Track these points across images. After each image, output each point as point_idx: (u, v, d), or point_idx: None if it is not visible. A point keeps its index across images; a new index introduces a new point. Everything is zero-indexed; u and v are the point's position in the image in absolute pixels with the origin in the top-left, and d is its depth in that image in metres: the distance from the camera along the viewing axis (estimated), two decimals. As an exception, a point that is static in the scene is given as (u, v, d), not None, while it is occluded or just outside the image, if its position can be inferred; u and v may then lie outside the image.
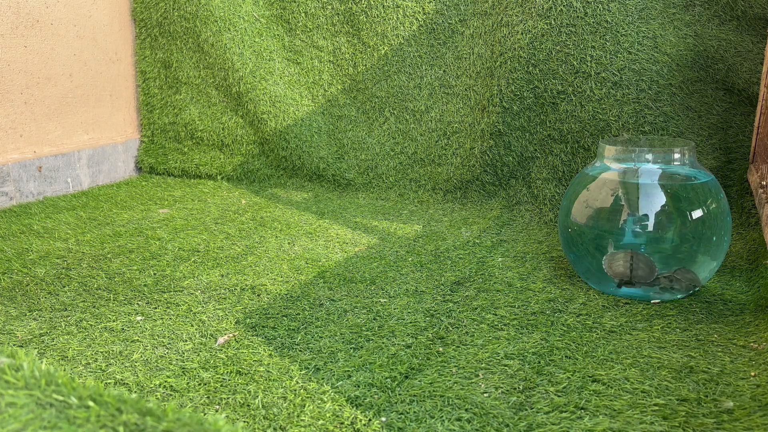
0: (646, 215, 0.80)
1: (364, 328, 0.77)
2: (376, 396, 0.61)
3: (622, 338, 0.73)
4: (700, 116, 1.17)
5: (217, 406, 0.60)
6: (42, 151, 1.52)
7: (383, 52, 1.55)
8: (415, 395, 0.61)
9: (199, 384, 0.64)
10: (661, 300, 0.83)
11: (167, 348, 0.72)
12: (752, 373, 0.64)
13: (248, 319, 0.80)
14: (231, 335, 0.75)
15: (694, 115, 1.17)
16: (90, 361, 0.69)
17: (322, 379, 0.65)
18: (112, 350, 0.71)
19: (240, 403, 0.60)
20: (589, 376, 0.64)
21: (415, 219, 1.29)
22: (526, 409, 0.59)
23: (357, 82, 1.59)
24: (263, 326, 0.78)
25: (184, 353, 0.71)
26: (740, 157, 1.13)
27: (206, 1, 1.66)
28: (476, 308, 0.83)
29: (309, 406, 0.59)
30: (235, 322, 0.79)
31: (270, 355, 0.70)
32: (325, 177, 1.56)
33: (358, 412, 0.58)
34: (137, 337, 0.74)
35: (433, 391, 0.62)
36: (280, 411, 0.59)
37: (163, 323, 0.79)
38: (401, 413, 0.58)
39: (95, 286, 0.92)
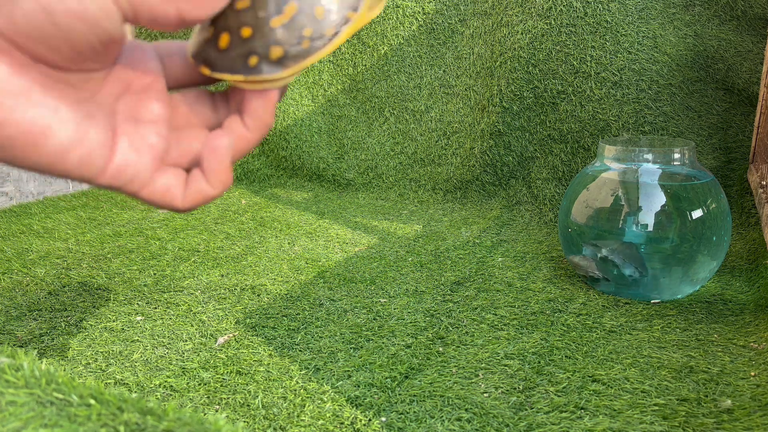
0: (645, 215, 0.80)
1: (364, 328, 0.77)
2: (376, 396, 0.61)
3: (622, 338, 0.73)
4: (700, 116, 1.17)
5: (217, 406, 0.60)
6: (42, 151, 1.52)
7: (383, 52, 1.55)
8: (415, 395, 0.61)
9: (199, 384, 0.64)
10: (660, 300, 0.83)
11: (167, 348, 0.72)
12: (752, 373, 0.64)
13: (248, 319, 0.80)
14: (231, 335, 0.75)
15: (694, 115, 1.17)
16: (90, 361, 0.69)
17: (322, 379, 0.65)
18: (112, 350, 0.71)
19: (240, 403, 0.60)
20: (589, 376, 0.64)
21: (415, 219, 1.29)
22: (526, 409, 0.59)
23: (357, 82, 1.59)
24: (263, 326, 0.78)
25: (184, 353, 0.71)
26: (740, 157, 1.13)
27: (206, 1, 1.66)
28: (476, 308, 0.83)
29: (309, 406, 0.59)
30: (235, 322, 0.79)
31: (270, 355, 0.70)
32: (325, 177, 1.56)
33: (358, 412, 0.58)
34: (137, 337, 0.74)
35: (433, 391, 0.62)
36: (280, 411, 0.59)
37: (163, 323, 0.78)
38: (401, 413, 0.58)
39: (95, 286, 0.92)
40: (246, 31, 0.28)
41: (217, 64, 0.29)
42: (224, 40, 0.28)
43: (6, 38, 0.23)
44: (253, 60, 0.28)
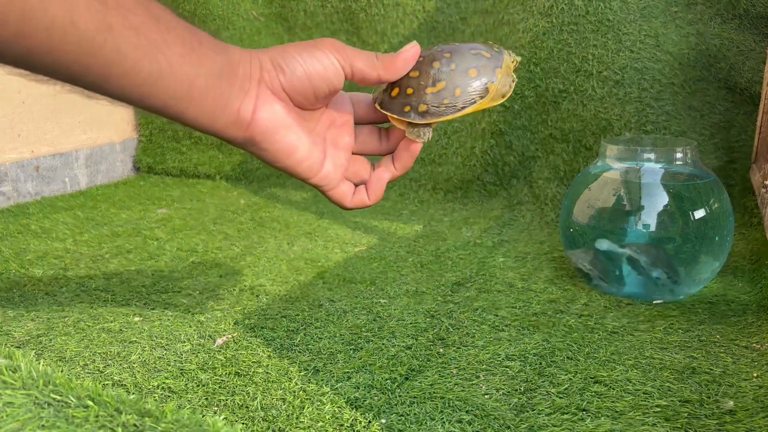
0: (647, 215, 0.80)
1: (363, 329, 0.76)
2: (376, 398, 0.61)
3: (624, 339, 0.72)
4: (702, 115, 1.16)
5: (216, 408, 0.59)
6: (40, 151, 1.52)
7: (383, 50, 1.54)
8: (415, 397, 0.61)
9: (198, 385, 0.63)
10: (662, 300, 0.83)
11: (165, 349, 0.71)
12: (754, 374, 0.64)
13: (247, 320, 0.79)
14: (229, 336, 0.75)
15: (696, 115, 1.16)
16: (88, 362, 0.68)
17: (322, 380, 0.64)
18: (110, 351, 0.71)
19: (239, 404, 0.60)
20: (591, 378, 0.64)
21: (416, 219, 1.29)
22: (528, 411, 0.58)
23: (357, 81, 1.58)
24: (262, 327, 0.77)
25: (182, 354, 0.70)
26: (742, 156, 1.13)
27: (205, -1, 1.66)
28: (477, 309, 0.82)
29: (308, 407, 0.59)
30: (234, 323, 0.78)
31: (269, 356, 0.70)
32: (324, 176, 1.55)
33: (358, 413, 0.58)
34: (135, 338, 0.74)
35: (434, 392, 0.61)
36: (279, 413, 0.58)
37: (161, 324, 0.78)
38: (401, 415, 0.58)
39: (93, 286, 0.91)
40: (409, 90, 0.46)
41: (385, 105, 0.46)
42: (395, 92, 0.46)
43: (286, 92, 0.42)
44: (407, 108, 0.46)
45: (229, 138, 0.42)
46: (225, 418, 0.57)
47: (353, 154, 0.49)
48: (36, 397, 0.51)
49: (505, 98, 0.47)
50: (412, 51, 0.45)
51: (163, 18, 0.38)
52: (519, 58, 0.49)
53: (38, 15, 0.32)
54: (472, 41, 0.49)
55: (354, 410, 0.58)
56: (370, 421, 0.57)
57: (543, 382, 0.63)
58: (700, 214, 0.79)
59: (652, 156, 0.81)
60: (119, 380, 0.64)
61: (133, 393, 0.61)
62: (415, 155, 0.49)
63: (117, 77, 0.37)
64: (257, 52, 0.42)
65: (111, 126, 1.73)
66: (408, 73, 0.46)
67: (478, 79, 0.45)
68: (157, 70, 0.37)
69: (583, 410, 0.58)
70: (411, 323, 0.78)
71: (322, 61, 0.42)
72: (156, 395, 0.61)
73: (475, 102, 0.45)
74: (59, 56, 0.34)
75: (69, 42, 0.34)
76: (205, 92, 0.39)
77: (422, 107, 0.45)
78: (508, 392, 0.61)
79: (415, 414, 0.58)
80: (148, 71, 0.37)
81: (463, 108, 0.45)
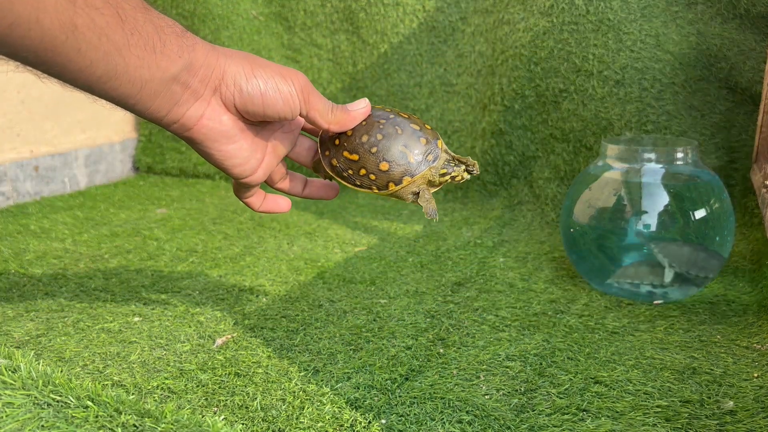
0: (648, 215, 0.79)
1: (363, 330, 0.76)
2: (375, 398, 0.61)
3: (624, 339, 0.72)
4: (702, 115, 1.16)
5: (216, 408, 0.59)
6: (39, 151, 1.52)
7: (383, 50, 1.54)
8: (415, 397, 0.61)
9: (197, 386, 0.63)
10: (663, 301, 0.83)
11: (165, 349, 0.71)
12: (755, 375, 0.64)
13: (246, 320, 0.79)
14: (229, 336, 0.74)
15: (697, 114, 1.16)
16: (87, 363, 0.68)
17: (322, 381, 0.64)
18: (110, 351, 0.70)
19: (238, 405, 0.59)
20: (591, 378, 0.64)
21: (416, 219, 1.28)
22: (528, 411, 0.58)
23: (356, 81, 1.58)
24: (262, 327, 0.77)
25: (182, 355, 0.70)
26: (743, 156, 1.12)
27: (205, -1, 1.65)
28: (477, 309, 0.82)
29: (308, 408, 0.59)
30: (234, 323, 0.78)
31: (269, 356, 0.70)
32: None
33: (358, 414, 0.58)
34: (135, 339, 0.74)
35: (434, 393, 0.61)
36: (279, 413, 0.58)
37: (161, 324, 0.78)
38: (401, 415, 0.58)
39: (92, 286, 0.91)
40: (337, 142, 0.51)
41: (323, 146, 0.52)
42: (337, 141, 0.51)
43: (237, 108, 0.45)
44: (327, 153, 0.52)
45: (171, 132, 0.45)
46: (225, 419, 0.57)
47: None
48: (35, 397, 0.51)
49: (414, 202, 0.52)
50: (362, 111, 0.50)
51: (129, 18, 0.38)
52: (466, 176, 0.51)
53: (4, 11, 0.32)
54: (429, 134, 0.51)
55: (354, 410, 0.58)
56: (370, 422, 0.56)
57: (543, 382, 0.63)
58: (700, 214, 0.79)
59: (652, 156, 0.81)
60: (119, 380, 0.64)
61: (133, 393, 0.61)
62: (322, 194, 0.56)
63: (71, 72, 0.37)
64: (226, 58, 0.43)
65: (110, 126, 1.72)
66: (346, 131, 0.51)
67: (386, 174, 0.49)
68: (113, 71, 0.38)
69: (584, 410, 0.58)
70: (411, 323, 0.78)
71: (284, 94, 0.44)
72: (156, 396, 0.61)
73: (371, 189, 0.50)
74: (17, 47, 0.34)
75: (30, 37, 0.33)
76: (156, 94, 0.40)
77: (335, 161, 0.51)
78: (509, 392, 0.61)
79: (415, 414, 0.58)
80: (104, 70, 0.37)
81: (359, 186, 0.50)
